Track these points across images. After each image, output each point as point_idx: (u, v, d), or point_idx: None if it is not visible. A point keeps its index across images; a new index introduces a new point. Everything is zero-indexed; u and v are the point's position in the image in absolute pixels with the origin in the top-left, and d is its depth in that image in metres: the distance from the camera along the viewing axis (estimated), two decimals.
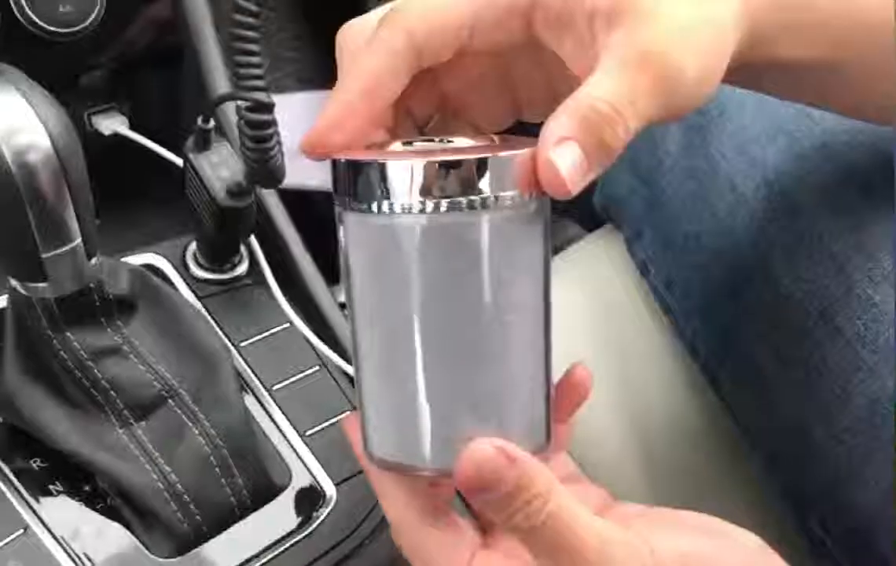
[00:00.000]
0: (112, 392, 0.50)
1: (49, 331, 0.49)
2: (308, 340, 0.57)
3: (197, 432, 0.50)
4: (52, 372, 0.50)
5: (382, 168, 0.34)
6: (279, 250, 0.60)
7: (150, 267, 0.58)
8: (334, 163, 0.36)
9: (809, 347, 0.57)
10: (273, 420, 0.55)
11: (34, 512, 0.49)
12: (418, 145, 0.38)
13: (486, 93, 0.43)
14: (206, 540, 0.50)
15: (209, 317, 0.57)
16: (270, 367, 0.56)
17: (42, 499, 0.49)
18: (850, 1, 0.43)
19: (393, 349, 0.36)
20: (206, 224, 0.56)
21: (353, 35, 0.40)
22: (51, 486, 0.50)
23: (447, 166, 0.34)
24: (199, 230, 0.58)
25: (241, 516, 0.51)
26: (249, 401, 0.55)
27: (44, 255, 0.47)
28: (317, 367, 0.57)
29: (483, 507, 0.36)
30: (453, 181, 0.34)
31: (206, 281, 0.59)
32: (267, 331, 0.58)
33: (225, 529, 0.50)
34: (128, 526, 0.49)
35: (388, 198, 0.34)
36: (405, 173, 0.34)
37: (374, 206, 0.34)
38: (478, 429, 0.35)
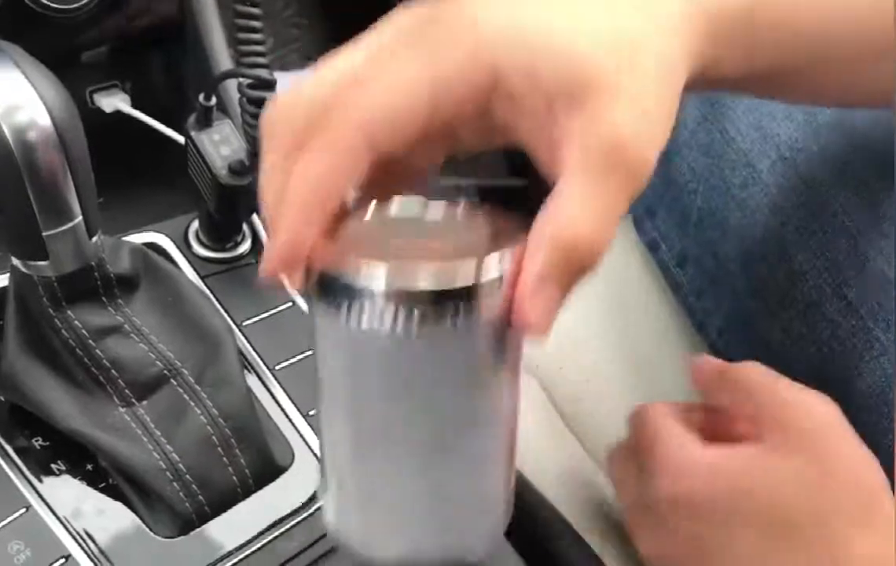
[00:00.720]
0: (114, 371, 0.51)
1: (50, 310, 0.50)
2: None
3: (199, 412, 0.51)
4: (54, 350, 0.51)
5: (350, 282, 0.33)
6: None
7: (151, 245, 0.58)
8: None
9: (822, 324, 0.57)
10: (275, 399, 0.55)
11: (36, 491, 0.49)
12: (390, 225, 0.36)
13: (423, 147, 0.39)
14: (208, 519, 0.50)
15: (211, 296, 0.58)
16: (273, 346, 0.57)
17: (44, 479, 0.50)
18: (782, 12, 0.42)
19: (355, 443, 0.36)
20: (207, 202, 0.56)
21: (284, 117, 0.35)
22: (53, 466, 0.51)
23: (416, 293, 0.33)
24: (201, 208, 0.58)
25: (244, 496, 0.51)
26: (252, 380, 0.55)
27: (45, 234, 0.47)
28: None
29: None
30: (422, 302, 0.33)
31: (209, 259, 0.60)
32: (269, 310, 0.58)
33: (227, 509, 0.51)
34: (130, 505, 0.50)
35: (352, 309, 0.33)
36: (371, 292, 0.33)
37: (342, 312, 0.33)
38: (436, 525, 0.36)
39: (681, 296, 0.64)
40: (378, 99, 0.33)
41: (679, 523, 0.48)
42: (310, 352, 0.57)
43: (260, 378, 0.56)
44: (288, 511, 0.51)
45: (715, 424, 0.51)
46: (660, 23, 0.36)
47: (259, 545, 0.50)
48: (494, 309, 0.34)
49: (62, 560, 0.48)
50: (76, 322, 0.51)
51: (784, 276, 0.59)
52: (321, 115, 0.34)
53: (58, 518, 0.49)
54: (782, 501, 0.46)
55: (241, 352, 0.55)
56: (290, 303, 0.58)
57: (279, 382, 0.56)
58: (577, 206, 0.34)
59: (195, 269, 0.59)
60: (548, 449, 0.58)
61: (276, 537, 0.50)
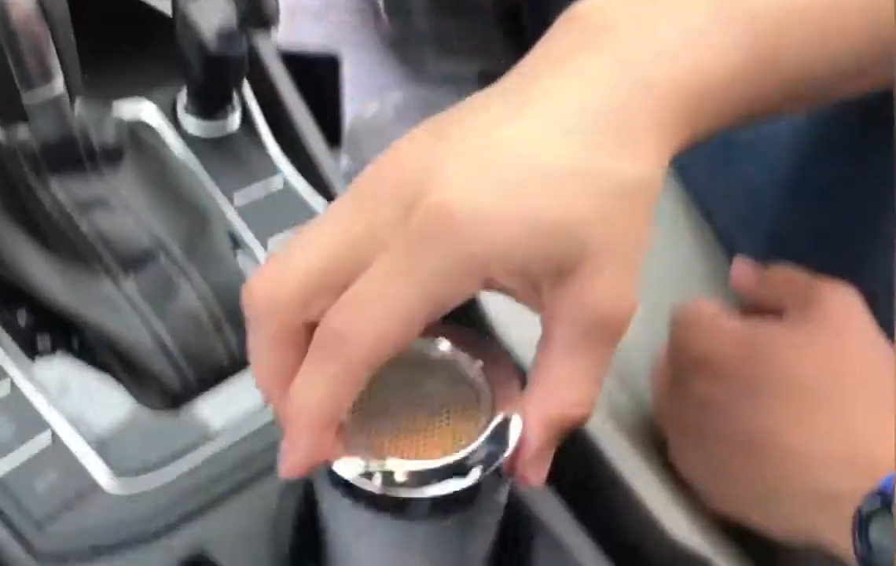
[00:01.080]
0: (99, 244, 0.49)
1: (32, 180, 0.49)
2: (303, 196, 0.56)
3: (188, 288, 0.50)
4: (36, 222, 0.49)
5: (359, 489, 0.36)
6: (274, 101, 0.59)
7: (138, 117, 0.57)
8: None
9: (833, 218, 0.57)
10: None
11: (20, 366, 0.48)
12: (388, 385, 0.38)
13: None
14: (198, 396, 0.49)
15: (201, 170, 0.56)
16: (264, 223, 0.55)
17: (28, 354, 0.49)
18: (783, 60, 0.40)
19: None
20: (196, 72, 0.54)
21: (271, 299, 0.36)
22: (38, 340, 0.50)
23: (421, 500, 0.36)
24: (190, 79, 0.56)
25: (236, 372, 0.50)
26: (242, 258, 0.54)
27: (25, 98, 0.46)
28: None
29: None
30: (426, 505, 0.36)
31: (198, 132, 0.57)
32: (260, 184, 0.56)
33: (219, 386, 0.50)
34: (118, 382, 0.49)
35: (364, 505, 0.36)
36: (372, 500, 0.36)
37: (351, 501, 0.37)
38: None
39: (687, 183, 0.62)
40: (376, 332, 0.34)
41: (701, 385, 0.50)
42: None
43: (251, 256, 0.54)
44: None
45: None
46: (639, 149, 0.35)
47: (251, 424, 0.49)
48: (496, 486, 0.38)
49: (48, 436, 0.47)
50: (59, 193, 0.49)
51: (797, 164, 0.58)
52: (311, 313, 0.35)
53: (43, 394, 0.48)
54: (801, 369, 0.48)
55: (230, 228, 0.54)
56: (282, 179, 0.57)
57: None
58: (567, 389, 0.36)
59: (183, 142, 0.57)
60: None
61: (267, 418, 0.50)
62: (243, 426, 0.49)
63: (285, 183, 0.57)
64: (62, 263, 0.50)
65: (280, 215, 0.56)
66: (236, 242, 0.54)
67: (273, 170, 0.57)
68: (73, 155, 0.49)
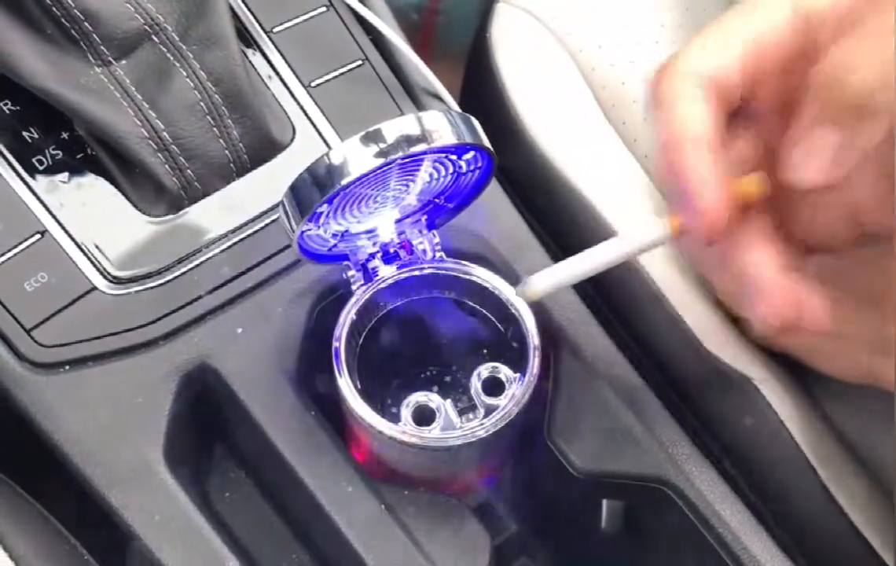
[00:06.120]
0: (87, 23, 0.46)
1: None
2: None
3: (185, 74, 0.46)
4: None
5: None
6: None
7: None
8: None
9: None
10: (273, 67, 0.50)
11: (6, 160, 0.46)
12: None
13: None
14: (199, 198, 0.47)
15: None
16: (270, 6, 0.51)
17: (14, 146, 0.46)
18: None
19: None
20: None
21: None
22: (24, 133, 0.47)
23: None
24: None
25: (238, 174, 0.47)
26: (246, 46, 0.50)
27: None
28: (324, 8, 0.52)
29: None
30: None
31: None
32: None
33: (220, 188, 0.47)
34: (112, 180, 0.47)
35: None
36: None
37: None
38: None
39: None
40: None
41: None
42: (313, 12, 0.52)
43: (255, 42, 0.50)
44: None
45: None
46: None
47: (254, 229, 0.47)
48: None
49: (36, 236, 0.45)
50: None
51: None
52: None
53: (30, 189, 0.46)
54: None
55: (232, 10, 0.49)
56: None
57: (277, 48, 0.50)
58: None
59: None
60: (582, 140, 0.54)
61: (272, 222, 0.47)
62: (246, 232, 0.47)
63: None
64: (46, 44, 0.46)
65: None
66: (238, 26, 0.50)
67: None
68: None
